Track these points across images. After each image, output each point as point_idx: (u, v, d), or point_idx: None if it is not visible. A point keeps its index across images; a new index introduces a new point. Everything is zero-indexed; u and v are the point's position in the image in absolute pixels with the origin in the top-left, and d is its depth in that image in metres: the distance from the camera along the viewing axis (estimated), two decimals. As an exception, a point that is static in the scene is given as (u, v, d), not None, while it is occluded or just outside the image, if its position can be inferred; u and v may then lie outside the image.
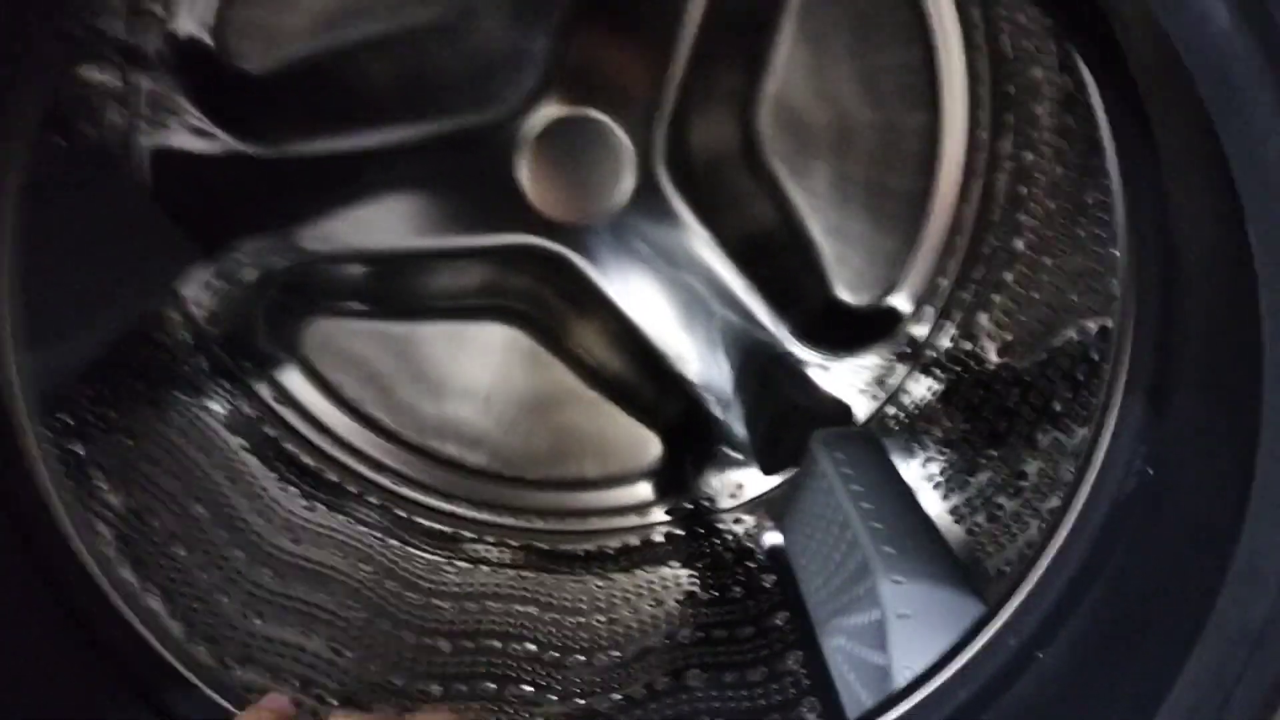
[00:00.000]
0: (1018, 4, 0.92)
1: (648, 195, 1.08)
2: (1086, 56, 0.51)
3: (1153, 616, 0.49)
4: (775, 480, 1.17)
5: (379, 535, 1.11)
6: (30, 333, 0.57)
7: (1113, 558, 0.54)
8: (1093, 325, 0.81)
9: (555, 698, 0.95)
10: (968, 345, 1.05)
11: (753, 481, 1.18)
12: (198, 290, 1.09)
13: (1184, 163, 0.48)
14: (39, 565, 0.53)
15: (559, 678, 0.97)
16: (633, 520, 1.20)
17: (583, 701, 0.94)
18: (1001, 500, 0.88)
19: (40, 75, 0.50)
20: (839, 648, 0.87)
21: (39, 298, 0.59)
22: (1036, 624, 0.56)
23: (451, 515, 1.19)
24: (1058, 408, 0.85)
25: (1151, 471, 0.53)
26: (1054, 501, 0.79)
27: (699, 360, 1.16)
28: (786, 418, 1.15)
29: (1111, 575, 0.54)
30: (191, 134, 1.04)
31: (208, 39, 1.02)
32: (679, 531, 1.19)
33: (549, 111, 1.06)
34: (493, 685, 0.95)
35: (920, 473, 1.01)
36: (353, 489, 1.16)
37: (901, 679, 0.74)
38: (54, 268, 0.67)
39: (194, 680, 0.59)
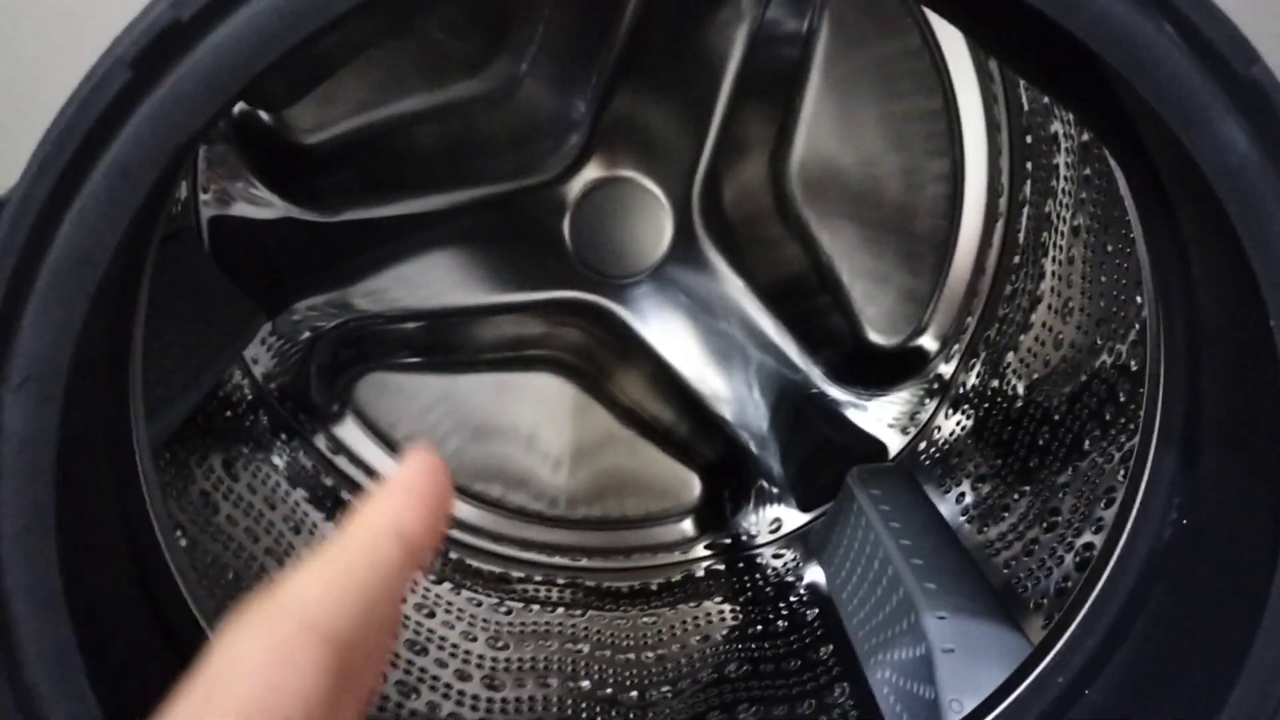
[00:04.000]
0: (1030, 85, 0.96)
1: (685, 248, 1.13)
2: (1109, 146, 0.56)
3: (1193, 655, 0.54)
4: (812, 516, 1.22)
5: (433, 579, 1.15)
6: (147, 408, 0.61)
7: (1151, 601, 0.59)
8: (1119, 366, 0.85)
9: (611, 733, 0.99)
10: (996, 383, 1.10)
11: (790, 517, 1.23)
12: (255, 348, 1.15)
13: (1204, 244, 0.53)
14: (163, 626, 0.58)
15: (614, 714, 1.01)
16: (675, 556, 1.25)
17: (638, 736, 0.99)
18: (1036, 535, 0.92)
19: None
20: (885, 681, 0.91)
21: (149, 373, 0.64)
22: (1082, 663, 0.60)
23: (499, 556, 1.24)
24: (1087, 445, 0.89)
25: (1186, 521, 0.57)
26: (1087, 537, 0.83)
27: (736, 401, 1.21)
28: (821, 454, 1.19)
29: (1151, 617, 0.58)
30: (248, 202, 1.09)
31: (265, 113, 1.08)
32: (720, 567, 1.23)
33: (590, 173, 1.11)
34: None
35: (955, 508, 1.05)
36: (406, 534, 1.20)
37: (950, 712, 0.78)
38: (152, 344, 0.71)
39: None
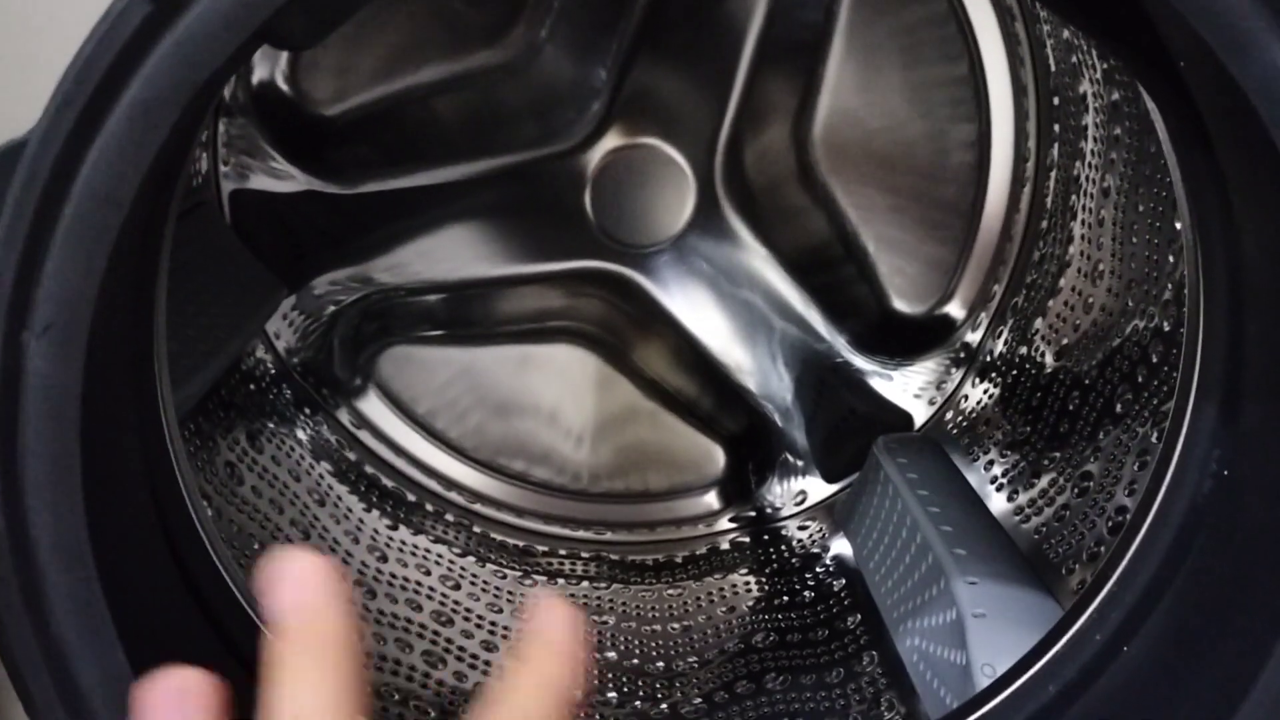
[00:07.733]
0: (1064, 23, 0.94)
1: (707, 217, 1.12)
2: (1150, 89, 0.55)
3: (1237, 606, 0.52)
4: (837, 487, 1.21)
5: (458, 552, 1.15)
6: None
7: (1192, 554, 0.57)
8: (1152, 328, 0.84)
9: (638, 703, 0.99)
10: (1024, 350, 1.08)
11: (815, 489, 1.22)
12: (277, 323, 1.14)
13: (1248, 182, 0.51)
14: (189, 584, 0.58)
15: (640, 684, 1.01)
16: (699, 530, 1.24)
17: (665, 706, 0.98)
18: (1067, 500, 0.91)
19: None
20: (915, 648, 0.90)
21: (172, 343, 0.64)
22: (1120, 620, 0.59)
23: (523, 530, 1.23)
24: (1119, 409, 0.87)
25: (1227, 473, 0.56)
26: (1120, 500, 0.82)
27: (760, 372, 1.20)
28: (846, 425, 1.18)
29: (1192, 570, 0.57)
30: (269, 175, 1.09)
31: (284, 85, 1.08)
32: (745, 539, 1.22)
33: (611, 141, 1.10)
34: (579, 693, 0.99)
35: (983, 475, 1.04)
36: (430, 508, 1.20)
37: (981, 676, 0.77)
38: (174, 315, 0.71)
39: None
